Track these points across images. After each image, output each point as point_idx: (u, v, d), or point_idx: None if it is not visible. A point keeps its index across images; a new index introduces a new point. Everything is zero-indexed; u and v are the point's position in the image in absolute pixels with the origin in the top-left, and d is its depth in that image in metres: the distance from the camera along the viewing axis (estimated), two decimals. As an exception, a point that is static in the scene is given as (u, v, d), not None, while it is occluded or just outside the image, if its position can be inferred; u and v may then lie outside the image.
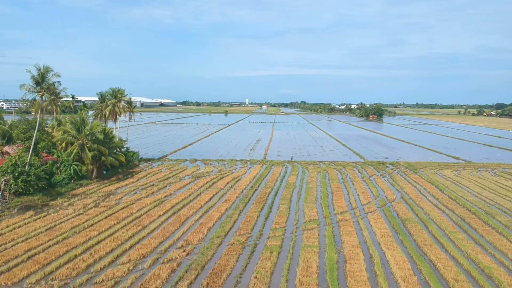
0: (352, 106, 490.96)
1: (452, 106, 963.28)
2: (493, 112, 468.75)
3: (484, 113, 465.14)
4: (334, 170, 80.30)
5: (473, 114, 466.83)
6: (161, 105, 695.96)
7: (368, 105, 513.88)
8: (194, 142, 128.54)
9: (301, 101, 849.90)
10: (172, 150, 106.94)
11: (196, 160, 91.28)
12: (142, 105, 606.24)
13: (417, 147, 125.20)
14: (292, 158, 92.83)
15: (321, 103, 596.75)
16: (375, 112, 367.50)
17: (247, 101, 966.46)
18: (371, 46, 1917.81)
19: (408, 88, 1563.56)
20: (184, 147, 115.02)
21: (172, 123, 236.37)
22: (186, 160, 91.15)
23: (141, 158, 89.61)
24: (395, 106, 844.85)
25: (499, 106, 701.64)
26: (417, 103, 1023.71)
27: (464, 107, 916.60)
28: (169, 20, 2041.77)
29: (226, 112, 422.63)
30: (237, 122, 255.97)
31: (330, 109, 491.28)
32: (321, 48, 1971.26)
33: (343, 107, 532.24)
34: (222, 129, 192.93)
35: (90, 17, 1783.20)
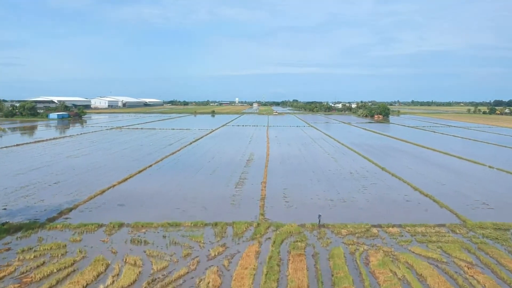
0: (353, 105, 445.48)
1: (449, 104, 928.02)
2: (507, 110, 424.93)
3: (497, 112, 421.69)
4: (430, 267, 33.41)
5: (484, 113, 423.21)
6: (146, 104, 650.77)
7: (369, 104, 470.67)
8: (149, 167, 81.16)
9: (293, 100, 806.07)
10: (96, 191, 59.44)
11: (121, 225, 44.02)
12: (124, 105, 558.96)
13: (496, 172, 78.93)
14: (319, 220, 45.56)
15: (316, 102, 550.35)
16: (381, 112, 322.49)
17: (237, 100, 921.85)
18: (362, 44, 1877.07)
19: (402, 85, 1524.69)
20: (124, 181, 67.64)
21: (142, 128, 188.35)
22: (101, 225, 43.86)
23: (6, 224, 42.17)
24: (390, 104, 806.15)
25: (497, 103, 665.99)
26: (412, 100, 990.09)
27: (461, 104, 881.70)
28: (158, 19, 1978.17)
29: (213, 113, 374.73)
30: (223, 126, 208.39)
31: (327, 108, 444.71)
32: (312, 47, 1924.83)
33: (339, 105, 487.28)
34: (202, 137, 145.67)
35: (78, 17, 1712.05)
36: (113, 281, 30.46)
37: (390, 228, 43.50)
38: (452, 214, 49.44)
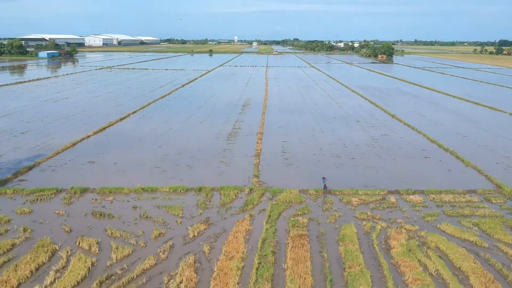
0: (356, 45, 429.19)
1: (453, 43, 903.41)
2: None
3: (504, 52, 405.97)
4: (469, 257, 25.87)
5: (490, 53, 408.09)
6: (142, 43, 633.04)
7: (372, 43, 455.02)
8: (133, 113, 72.92)
9: (294, 39, 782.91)
10: (65, 144, 51.37)
11: (85, 191, 36.28)
12: (119, 43, 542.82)
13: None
14: (325, 185, 37.56)
15: (317, 41, 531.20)
16: (385, 51, 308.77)
17: (236, 38, 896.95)
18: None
19: (405, 24, 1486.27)
20: (100, 131, 59.55)
21: (133, 68, 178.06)
22: (61, 191, 36.12)
23: None
24: (393, 43, 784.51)
25: (502, 43, 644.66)
26: (415, 40, 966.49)
27: (466, 44, 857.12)
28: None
29: (210, 52, 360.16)
30: (220, 66, 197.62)
31: (329, 48, 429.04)
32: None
33: (341, 45, 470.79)
34: (196, 78, 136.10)
35: None
36: (54, 279, 22.93)
37: (411, 196, 35.75)
38: (481, 176, 41.64)
